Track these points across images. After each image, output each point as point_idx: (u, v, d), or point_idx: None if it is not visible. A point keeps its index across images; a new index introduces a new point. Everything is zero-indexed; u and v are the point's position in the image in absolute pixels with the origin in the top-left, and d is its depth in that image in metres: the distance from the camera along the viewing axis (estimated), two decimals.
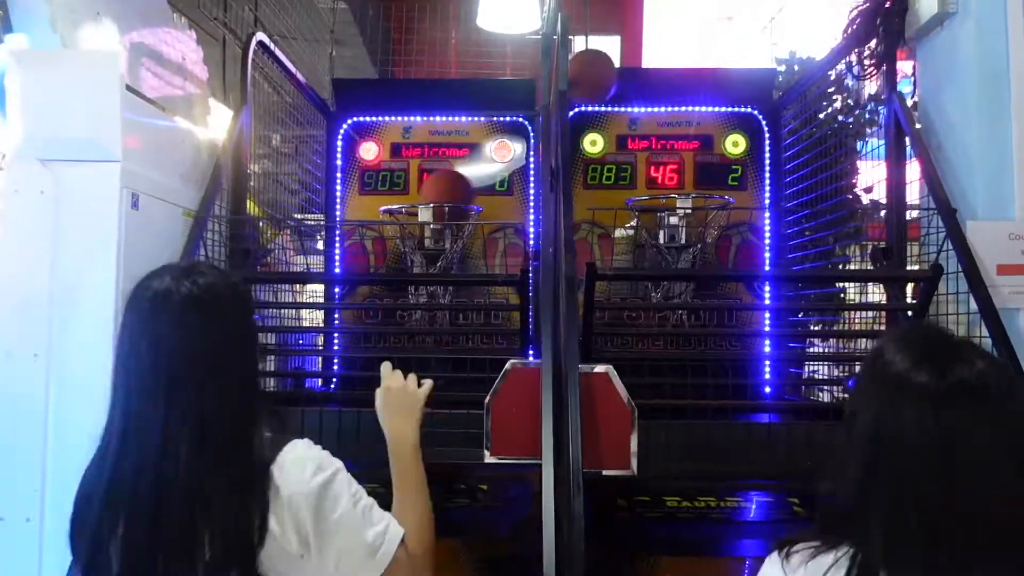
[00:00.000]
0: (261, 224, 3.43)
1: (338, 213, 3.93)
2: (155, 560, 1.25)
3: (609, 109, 3.94)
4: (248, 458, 1.31)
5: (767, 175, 3.87)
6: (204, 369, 1.31)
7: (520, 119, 3.97)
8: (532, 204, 3.88)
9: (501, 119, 3.99)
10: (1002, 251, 2.58)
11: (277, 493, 1.30)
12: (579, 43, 7.41)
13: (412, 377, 1.75)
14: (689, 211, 3.35)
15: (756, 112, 3.89)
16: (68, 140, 2.43)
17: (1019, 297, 2.57)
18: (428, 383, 1.75)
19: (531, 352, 2.90)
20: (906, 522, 1.06)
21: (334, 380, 3.71)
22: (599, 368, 2.37)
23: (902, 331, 1.22)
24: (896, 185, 2.88)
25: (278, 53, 3.35)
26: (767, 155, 3.88)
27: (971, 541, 1.03)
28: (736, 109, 3.90)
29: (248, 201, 3.14)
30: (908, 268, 2.82)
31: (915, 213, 2.90)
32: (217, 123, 3.27)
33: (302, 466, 1.34)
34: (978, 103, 2.66)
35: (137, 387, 1.30)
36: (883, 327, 3.10)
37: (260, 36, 3.18)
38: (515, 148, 3.94)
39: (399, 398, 1.70)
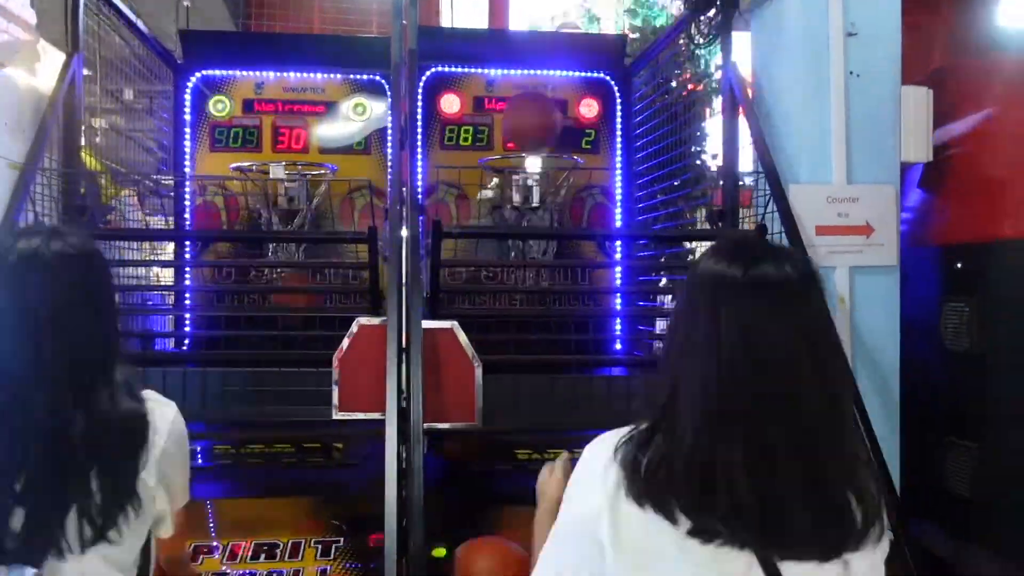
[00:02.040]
0: (102, 181, 3.28)
1: (187, 170, 3.80)
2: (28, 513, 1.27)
3: (466, 70, 3.95)
4: (112, 411, 1.34)
5: (619, 139, 4.00)
6: (70, 327, 1.32)
7: (378, 77, 3.93)
8: (390, 164, 3.87)
9: (358, 77, 3.94)
10: (820, 213, 2.78)
11: (151, 434, 1.37)
12: (444, 4, 7.37)
13: None
14: (537, 173, 3.42)
15: (608, 77, 4.00)
16: None
17: (835, 256, 2.78)
18: None
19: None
20: (710, 414, 1.12)
21: (186, 340, 3.63)
22: (444, 324, 2.42)
23: (720, 240, 1.28)
24: (730, 151, 3.04)
25: (116, 2, 3.18)
26: (619, 120, 4.00)
27: (770, 430, 1.10)
28: (589, 74, 3.99)
29: (86, 156, 3.00)
30: (740, 228, 2.99)
31: (748, 178, 3.07)
32: (52, 72, 3.08)
33: (163, 420, 1.42)
34: (802, 73, 2.84)
35: (4, 345, 1.30)
36: None
37: None
38: (373, 107, 3.90)
39: None
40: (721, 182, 3.18)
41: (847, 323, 2.77)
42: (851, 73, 2.82)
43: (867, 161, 2.83)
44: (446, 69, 3.94)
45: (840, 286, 2.79)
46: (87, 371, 1.33)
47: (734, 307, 1.13)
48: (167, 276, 3.65)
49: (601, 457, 1.19)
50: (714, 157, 4.05)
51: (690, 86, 4.09)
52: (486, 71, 3.96)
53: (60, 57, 3.28)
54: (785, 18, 2.89)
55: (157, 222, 3.79)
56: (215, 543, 2.40)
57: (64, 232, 1.37)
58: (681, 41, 3.51)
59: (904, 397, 2.82)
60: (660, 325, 3.86)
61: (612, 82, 4.00)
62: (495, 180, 3.69)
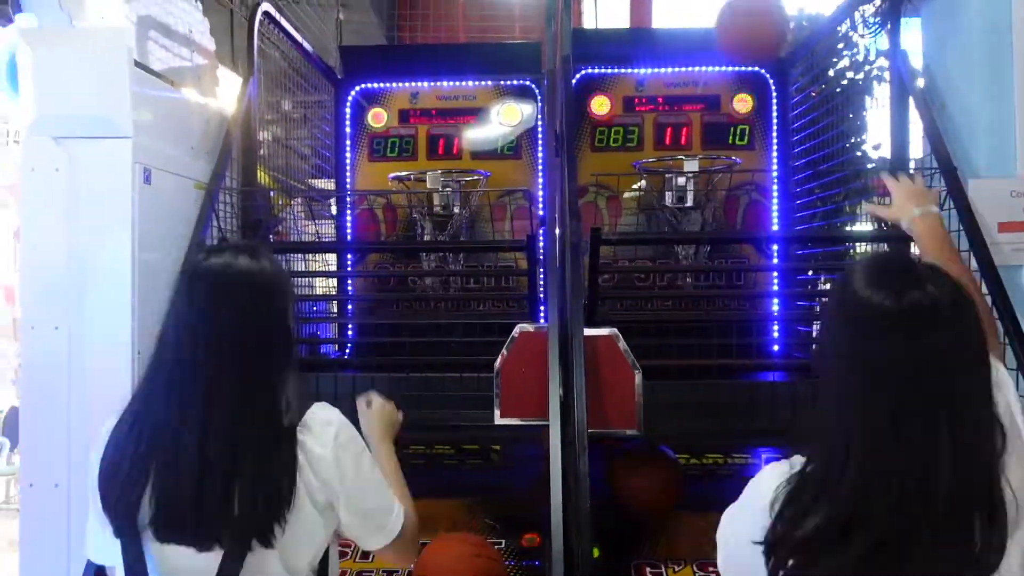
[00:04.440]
0: (272, 194, 3.48)
1: (348, 180, 3.98)
2: (186, 519, 1.34)
3: (616, 71, 3.93)
4: (279, 422, 1.40)
5: (775, 134, 3.87)
6: (251, 341, 1.40)
7: (527, 82, 3.98)
8: (540, 168, 3.91)
9: (508, 83, 3.99)
10: (1003, 208, 2.59)
11: (307, 454, 1.40)
12: (587, 2, 7.35)
13: (388, 403, 1.86)
14: (694, 173, 3.36)
15: (763, 71, 3.87)
16: (79, 117, 2.48)
17: (1021, 254, 2.58)
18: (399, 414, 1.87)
19: (541, 315, 2.95)
20: (869, 439, 1.11)
21: (348, 346, 3.79)
22: (604, 331, 2.42)
23: (865, 261, 1.27)
24: (899, 143, 2.89)
25: (284, 23, 3.37)
26: (774, 113, 3.87)
27: (924, 460, 1.08)
28: (743, 68, 3.88)
29: (259, 171, 3.19)
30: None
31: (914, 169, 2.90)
32: (226, 93, 3.31)
33: (328, 427, 1.44)
34: (980, 62, 2.66)
35: (190, 355, 1.38)
36: None
37: (266, 6, 3.20)
38: (523, 111, 3.95)
39: (388, 419, 1.82)
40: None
41: None
42: None
43: None
44: (596, 71, 3.94)
45: None
46: (260, 385, 1.39)
47: (887, 341, 1.11)
48: (330, 285, 3.83)
49: (765, 494, 1.20)
50: (876, 147, 3.85)
51: (849, 74, 3.91)
52: (635, 71, 3.93)
53: (232, 77, 3.51)
54: (960, 3, 2.72)
55: (325, 231, 3.97)
56: None
57: (250, 250, 1.45)
58: (844, 29, 3.35)
59: None
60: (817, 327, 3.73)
61: (767, 75, 3.88)
62: (643, 182, 3.66)
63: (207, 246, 1.48)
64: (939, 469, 1.08)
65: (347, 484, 1.43)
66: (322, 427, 1.44)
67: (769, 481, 1.21)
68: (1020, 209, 2.59)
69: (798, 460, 1.21)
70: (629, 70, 3.93)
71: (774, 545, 1.15)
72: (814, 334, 3.70)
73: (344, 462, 1.43)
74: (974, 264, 2.46)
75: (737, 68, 3.87)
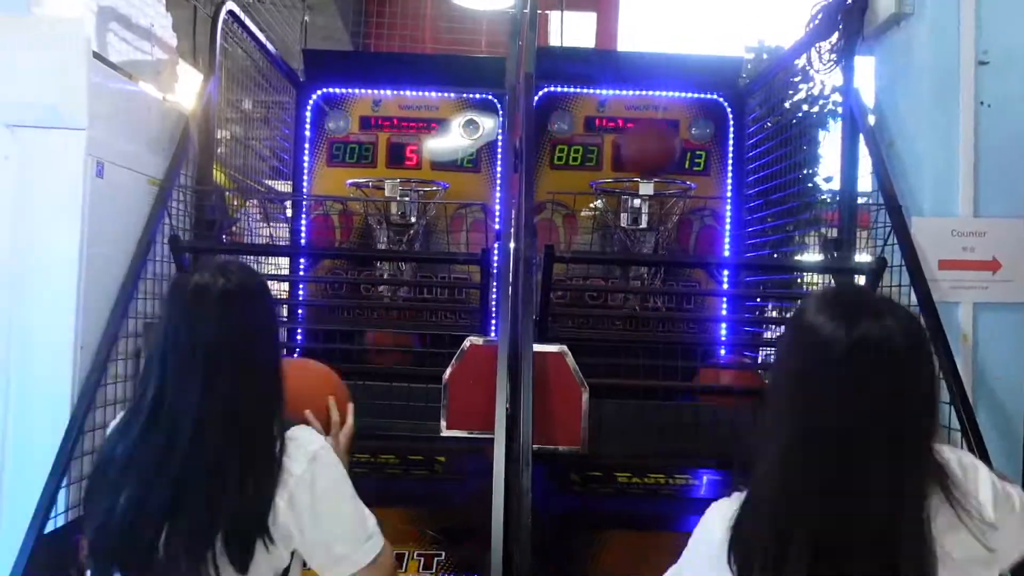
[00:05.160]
0: (228, 194, 3.44)
1: (305, 184, 3.95)
2: (162, 530, 1.33)
3: (579, 90, 3.98)
4: (269, 439, 1.40)
5: (730, 161, 3.95)
6: (237, 358, 1.40)
7: (490, 96, 4.00)
8: (499, 182, 3.92)
9: (471, 96, 4.01)
10: (945, 247, 2.68)
11: (286, 474, 1.39)
12: (554, 19, 7.42)
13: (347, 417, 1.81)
14: (650, 196, 3.41)
15: (721, 99, 3.95)
16: (33, 106, 2.43)
17: (959, 292, 2.67)
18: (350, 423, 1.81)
19: (492, 329, 2.96)
20: (811, 463, 1.14)
21: (297, 351, 3.76)
22: (553, 348, 2.44)
23: (823, 291, 1.30)
24: (849, 178, 2.97)
25: (248, 23, 3.35)
26: (731, 141, 3.95)
27: (865, 486, 1.12)
28: (702, 95, 3.96)
29: (216, 170, 3.15)
30: (857, 257, 2.91)
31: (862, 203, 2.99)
32: (186, 89, 3.27)
33: (305, 450, 1.43)
34: (928, 103, 2.75)
35: (175, 373, 1.39)
36: None
37: (230, 4, 3.18)
38: (484, 125, 3.97)
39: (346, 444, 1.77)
40: (837, 209, 3.11)
41: (969, 361, 2.67)
42: (982, 103, 2.71)
43: (996, 194, 2.72)
44: (558, 89, 3.98)
45: (964, 323, 2.69)
46: (250, 399, 1.40)
47: (835, 372, 1.13)
48: (282, 288, 3.80)
49: (716, 532, 1.23)
50: (827, 180, 3.95)
51: (804, 107, 4.01)
52: (597, 91, 3.98)
53: (191, 73, 3.47)
54: (912, 45, 2.81)
55: (277, 232, 3.94)
56: None
57: (234, 270, 1.46)
58: (801, 63, 3.44)
59: None
60: (765, 352, 3.80)
61: (725, 103, 3.96)
62: (599, 202, 3.71)
63: (203, 264, 1.49)
64: (868, 502, 1.11)
65: (319, 509, 1.41)
66: (296, 447, 1.42)
67: (718, 520, 1.24)
68: (960, 248, 2.69)
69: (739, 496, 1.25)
70: (591, 90, 3.98)
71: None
72: (760, 360, 3.77)
73: (319, 486, 1.41)
74: (913, 299, 2.54)
75: (696, 95, 3.95)
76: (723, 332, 3.80)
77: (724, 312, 3.87)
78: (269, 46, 3.63)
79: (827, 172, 3.93)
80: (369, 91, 3.99)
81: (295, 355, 3.71)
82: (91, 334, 2.46)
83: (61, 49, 2.45)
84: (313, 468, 1.41)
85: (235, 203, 3.62)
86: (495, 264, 2.91)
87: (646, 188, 3.42)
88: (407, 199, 3.51)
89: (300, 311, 3.80)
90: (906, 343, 1.14)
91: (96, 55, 2.55)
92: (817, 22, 3.09)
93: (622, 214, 3.51)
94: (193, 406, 1.36)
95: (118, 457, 1.39)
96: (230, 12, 3.18)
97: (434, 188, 3.70)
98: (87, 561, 1.39)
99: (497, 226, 3.65)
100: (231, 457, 1.36)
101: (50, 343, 2.40)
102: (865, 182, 3.02)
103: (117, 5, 2.85)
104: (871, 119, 2.97)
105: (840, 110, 3.33)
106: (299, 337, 3.78)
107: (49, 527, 2.21)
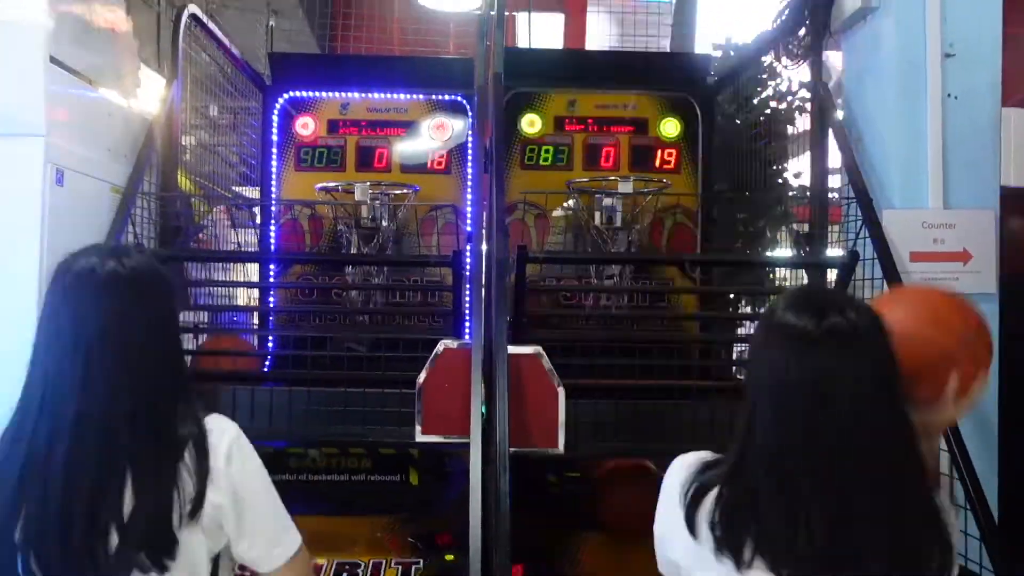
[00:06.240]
0: (194, 200, 3.38)
1: (274, 188, 3.89)
2: (63, 537, 1.27)
3: (547, 90, 3.96)
4: (166, 435, 1.34)
5: (700, 158, 3.95)
6: (121, 348, 1.33)
7: (459, 98, 3.97)
8: (470, 184, 3.89)
9: (440, 97, 3.98)
10: (915, 239, 2.70)
11: (207, 466, 1.35)
12: (521, 20, 7.40)
13: None
14: (629, 194, 3.39)
15: (690, 97, 3.95)
16: None
17: (930, 283, 2.68)
18: None
19: (466, 332, 2.93)
20: (787, 453, 1.23)
21: (268, 358, 3.70)
22: (528, 349, 2.42)
23: (792, 291, 1.51)
24: (819, 173, 2.98)
25: (212, 27, 3.29)
26: (700, 138, 3.95)
27: (844, 472, 1.21)
28: (672, 93, 3.95)
29: (180, 176, 3.10)
30: (829, 251, 2.92)
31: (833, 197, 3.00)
32: (149, 94, 3.21)
33: (223, 440, 1.39)
34: (896, 97, 2.77)
35: (56, 364, 1.32)
36: None
37: (193, 9, 3.12)
38: (453, 127, 3.94)
39: None
40: (808, 203, 3.12)
41: None
42: (948, 95, 2.73)
43: (965, 186, 2.75)
44: (527, 89, 3.95)
45: None
46: (139, 393, 1.33)
47: (808, 357, 1.25)
48: (252, 295, 3.74)
49: (680, 476, 1.37)
50: (797, 176, 3.97)
51: (772, 103, 4.03)
52: (567, 91, 3.96)
53: (155, 78, 3.41)
54: (879, 39, 2.83)
55: (245, 238, 3.89)
56: None
57: (124, 253, 1.39)
58: (768, 59, 3.45)
59: (1003, 431, 2.70)
60: (739, 349, 3.80)
61: (694, 101, 3.95)
62: (571, 201, 3.69)
63: (95, 246, 1.41)
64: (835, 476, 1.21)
65: (241, 497, 1.38)
66: (216, 437, 1.38)
67: (679, 470, 1.40)
68: (931, 240, 2.70)
69: (707, 454, 1.39)
70: (561, 90, 3.96)
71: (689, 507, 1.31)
72: (735, 356, 3.77)
73: (238, 474, 1.39)
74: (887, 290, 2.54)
75: (666, 93, 3.94)
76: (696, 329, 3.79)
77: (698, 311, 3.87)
78: (234, 50, 3.58)
79: (797, 167, 3.95)
80: (337, 94, 3.94)
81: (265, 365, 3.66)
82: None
83: (17, 54, 2.41)
84: (233, 459, 1.38)
85: (202, 210, 3.56)
86: (467, 266, 2.88)
87: (625, 186, 3.40)
88: (377, 202, 3.47)
89: (270, 318, 3.74)
90: (867, 332, 1.26)
91: (54, 60, 2.49)
92: (784, 17, 3.10)
93: (596, 213, 3.50)
94: (72, 400, 1.29)
95: (11, 473, 1.30)
96: (192, 16, 3.13)
97: (404, 191, 3.66)
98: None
99: (469, 228, 3.63)
100: (117, 456, 1.29)
101: (10, 355, 2.32)
102: (835, 177, 3.04)
103: (77, 10, 2.79)
104: (840, 114, 2.98)
105: (808, 105, 3.35)
106: (270, 344, 3.73)
107: None
